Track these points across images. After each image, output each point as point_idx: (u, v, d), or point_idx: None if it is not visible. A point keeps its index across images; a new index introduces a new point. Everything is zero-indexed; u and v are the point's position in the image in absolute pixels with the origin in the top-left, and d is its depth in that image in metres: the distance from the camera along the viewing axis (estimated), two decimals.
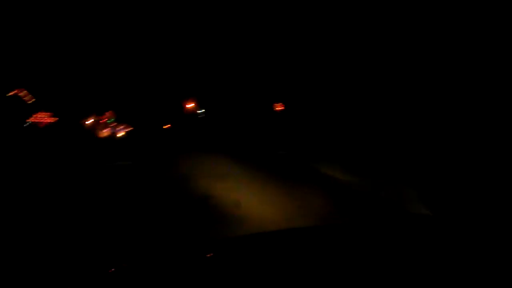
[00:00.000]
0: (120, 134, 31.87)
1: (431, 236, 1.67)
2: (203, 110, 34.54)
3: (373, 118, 14.32)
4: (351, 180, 7.63)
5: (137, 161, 13.38)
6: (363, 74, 16.73)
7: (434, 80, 12.49)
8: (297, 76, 22.27)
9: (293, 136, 16.73)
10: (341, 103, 17.68)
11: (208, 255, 1.74)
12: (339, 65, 18.33)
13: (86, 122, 30.12)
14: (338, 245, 1.71)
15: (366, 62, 16.37)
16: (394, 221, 2.22)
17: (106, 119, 33.17)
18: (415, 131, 11.23)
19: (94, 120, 31.48)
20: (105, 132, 31.65)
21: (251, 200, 6.24)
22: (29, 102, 25.74)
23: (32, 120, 26.30)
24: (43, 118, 27.21)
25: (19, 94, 24.98)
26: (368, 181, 7.46)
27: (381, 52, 15.56)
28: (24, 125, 25.18)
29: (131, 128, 32.79)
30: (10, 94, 23.83)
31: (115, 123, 33.33)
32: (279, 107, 26.25)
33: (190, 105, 34.43)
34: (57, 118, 27.48)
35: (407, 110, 12.89)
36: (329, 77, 19.26)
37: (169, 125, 34.85)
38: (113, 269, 1.58)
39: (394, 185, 6.81)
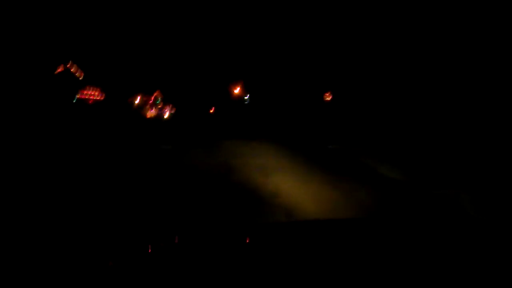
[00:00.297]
0: (166, 115, 31.97)
1: (480, 238, 1.67)
2: (249, 95, 34.13)
3: (431, 116, 13.49)
4: (401, 178, 7.58)
5: (179, 145, 13.31)
6: (423, 65, 15.57)
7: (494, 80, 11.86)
8: (351, 64, 21.13)
9: (343, 128, 15.87)
10: (395, 96, 16.66)
11: (247, 240, 1.85)
12: (396, 53, 17.10)
13: (134, 101, 30.31)
14: (376, 237, 1.76)
15: (430, 54, 15.19)
16: (439, 220, 2.23)
17: (154, 99, 33.37)
18: (472, 132, 10.86)
19: (142, 99, 31.68)
20: (151, 112, 31.81)
21: (295, 190, 6.34)
22: (79, 77, 26.13)
23: (80, 96, 26.63)
24: (92, 94, 27.50)
25: (71, 70, 25.40)
26: (419, 180, 7.29)
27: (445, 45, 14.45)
28: (73, 101, 25.62)
29: (176, 110, 32.84)
30: (59, 70, 24.20)
31: (162, 104, 33.49)
32: (328, 96, 25.31)
33: (236, 90, 34.01)
34: (104, 95, 27.76)
35: (464, 110, 12.43)
36: (385, 67, 18.07)
37: (213, 109, 34.64)
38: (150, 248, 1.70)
39: (446, 186, 6.40)
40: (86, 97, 27.41)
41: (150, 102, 32.19)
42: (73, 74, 24.99)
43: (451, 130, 11.76)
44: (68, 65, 24.47)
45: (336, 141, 12.83)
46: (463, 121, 12.06)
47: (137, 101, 30.33)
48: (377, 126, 15.16)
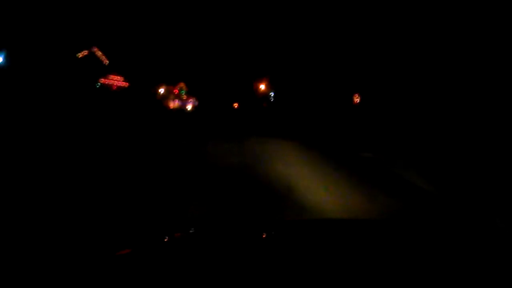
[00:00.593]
0: (189, 107, 31.58)
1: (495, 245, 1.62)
2: (273, 93, 33.48)
3: (466, 129, 12.61)
4: (427, 187, 7.09)
5: (201, 138, 12.89)
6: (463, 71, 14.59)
7: None
8: (381, 64, 20.16)
9: (375, 134, 15.01)
10: (428, 101, 15.71)
11: (263, 235, 1.83)
12: (434, 57, 16.11)
13: (158, 91, 29.97)
14: (394, 240, 1.67)
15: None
16: (458, 227, 2.24)
17: (178, 90, 33.08)
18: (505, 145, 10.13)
19: (165, 90, 31.39)
20: (174, 104, 31.49)
21: (316, 190, 6.08)
22: (104, 63, 25.73)
23: (104, 81, 26.22)
24: (115, 81, 27.08)
25: (96, 53, 24.99)
26: (445, 190, 6.99)
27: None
28: (96, 86, 25.22)
29: (199, 103, 32.44)
30: (84, 53, 23.80)
31: (186, 96, 33.16)
32: (356, 98, 24.45)
33: (261, 86, 33.39)
34: (128, 83, 27.33)
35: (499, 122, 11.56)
36: (422, 71, 17.08)
37: (237, 104, 34.09)
38: (167, 238, 1.70)
39: (473, 198, 6.36)
40: (110, 83, 27.22)
41: (174, 93, 31.88)
42: (98, 59, 24.79)
43: (487, 145, 11.00)
44: (93, 50, 24.29)
45: (368, 148, 12.02)
46: (497, 137, 11.27)
47: (161, 91, 30.03)
48: (410, 134, 14.29)
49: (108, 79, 25.93)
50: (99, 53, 24.65)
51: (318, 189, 6.18)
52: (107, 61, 24.27)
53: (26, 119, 12.28)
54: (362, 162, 10.12)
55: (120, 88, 26.55)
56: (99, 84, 25.09)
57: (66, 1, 18.67)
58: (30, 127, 11.20)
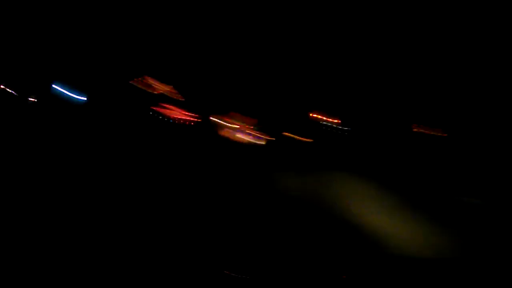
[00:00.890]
0: (260, 143, 31.63)
1: None
2: (348, 128, 32.50)
3: None
4: None
5: (270, 170, 12.76)
6: None
7: None
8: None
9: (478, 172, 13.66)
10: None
11: (344, 276, 2.33)
12: None
13: (229, 125, 30.56)
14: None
15: None
16: None
17: (250, 126, 33.45)
18: None
19: (238, 124, 31.89)
20: (245, 139, 31.67)
21: (397, 227, 6.47)
22: (179, 99, 26.53)
23: (175, 116, 27.02)
24: (188, 116, 27.85)
25: (171, 91, 25.93)
26: None
27: None
28: (161, 119, 25.98)
29: (272, 138, 32.44)
30: (160, 91, 24.73)
31: (257, 131, 33.38)
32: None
33: (333, 120, 32.61)
34: (201, 118, 28.04)
35: None
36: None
37: (310, 140, 33.53)
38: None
39: None
40: (183, 118, 28.19)
41: (246, 128, 32.26)
42: (173, 94, 25.85)
43: None
44: (169, 88, 25.40)
45: (473, 191, 10.91)
46: None
47: (233, 126, 30.53)
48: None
49: (181, 113, 26.74)
50: (173, 90, 25.70)
51: (398, 226, 6.33)
52: (181, 98, 25.05)
53: (99, 154, 12.81)
54: (457, 205, 9.31)
55: (182, 120, 27.34)
56: (172, 118, 26.04)
57: (129, 36, 19.63)
58: (100, 161, 11.65)
